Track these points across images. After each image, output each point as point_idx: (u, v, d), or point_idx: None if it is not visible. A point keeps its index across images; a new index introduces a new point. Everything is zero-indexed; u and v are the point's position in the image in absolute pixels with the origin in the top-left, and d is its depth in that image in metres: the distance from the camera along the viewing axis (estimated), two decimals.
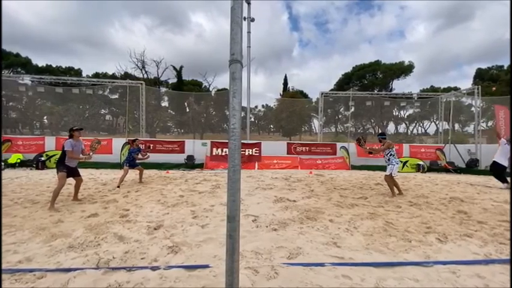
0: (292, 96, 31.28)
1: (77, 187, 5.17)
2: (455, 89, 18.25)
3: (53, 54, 57.82)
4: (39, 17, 66.53)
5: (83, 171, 5.56)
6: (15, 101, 22.65)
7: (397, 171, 5.85)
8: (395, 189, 5.95)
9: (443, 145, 14.18)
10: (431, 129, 29.14)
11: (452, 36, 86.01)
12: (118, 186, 6.58)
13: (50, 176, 8.51)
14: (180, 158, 12.45)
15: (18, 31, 52.55)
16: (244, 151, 12.40)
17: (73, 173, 5.01)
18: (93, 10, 69.07)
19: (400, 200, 5.53)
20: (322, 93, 15.98)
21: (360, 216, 4.17)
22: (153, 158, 12.00)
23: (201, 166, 11.97)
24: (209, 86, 33.68)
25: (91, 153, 5.33)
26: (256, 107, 38.30)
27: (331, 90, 30.04)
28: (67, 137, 4.98)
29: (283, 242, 3.07)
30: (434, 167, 12.70)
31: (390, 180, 5.90)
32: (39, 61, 43.61)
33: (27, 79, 19.44)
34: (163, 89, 28.70)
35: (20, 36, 49.44)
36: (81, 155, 5.07)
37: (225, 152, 12.41)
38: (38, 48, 52.54)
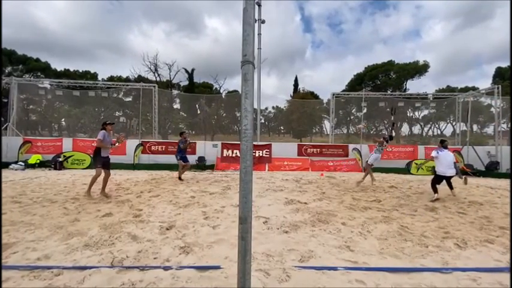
0: (302, 97, 30.99)
1: (105, 181, 5.63)
2: (474, 88, 17.52)
3: (77, 60, 61.15)
4: (66, 25, 70.18)
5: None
6: (35, 104, 23.59)
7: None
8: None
9: (460, 147, 13.67)
10: (448, 130, 28.17)
11: (471, 35, 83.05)
12: (180, 178, 7.97)
13: (67, 176, 8.80)
14: (191, 159, 12.53)
15: (47, 39, 56.12)
16: (255, 152, 12.38)
17: (105, 165, 5.56)
18: (115, 18, 71.74)
19: (415, 203, 5.38)
20: (333, 94, 15.77)
21: (374, 220, 4.08)
22: (165, 159, 12.25)
23: (212, 167, 12.06)
24: (220, 88, 33.99)
25: (117, 144, 5.97)
26: (266, 108, 38.34)
27: (343, 91, 29.59)
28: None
29: (295, 244, 3.04)
30: None
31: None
32: (64, 66, 46.02)
33: (46, 83, 20.20)
34: (175, 92, 29.13)
35: (48, 44, 52.72)
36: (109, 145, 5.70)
37: (236, 153, 12.46)
38: (64, 54, 55.71)
